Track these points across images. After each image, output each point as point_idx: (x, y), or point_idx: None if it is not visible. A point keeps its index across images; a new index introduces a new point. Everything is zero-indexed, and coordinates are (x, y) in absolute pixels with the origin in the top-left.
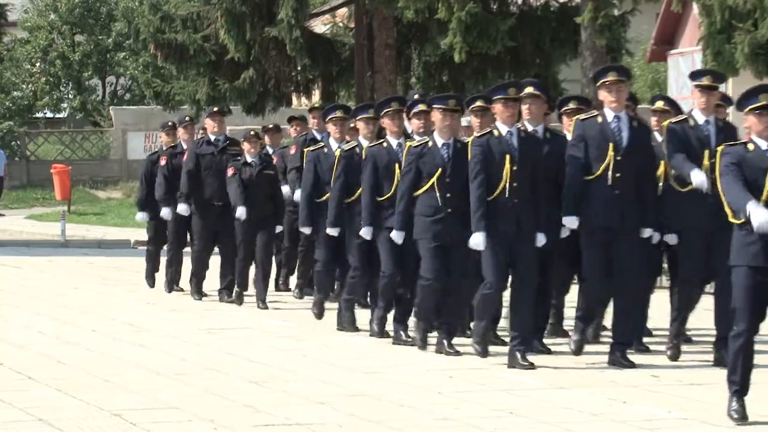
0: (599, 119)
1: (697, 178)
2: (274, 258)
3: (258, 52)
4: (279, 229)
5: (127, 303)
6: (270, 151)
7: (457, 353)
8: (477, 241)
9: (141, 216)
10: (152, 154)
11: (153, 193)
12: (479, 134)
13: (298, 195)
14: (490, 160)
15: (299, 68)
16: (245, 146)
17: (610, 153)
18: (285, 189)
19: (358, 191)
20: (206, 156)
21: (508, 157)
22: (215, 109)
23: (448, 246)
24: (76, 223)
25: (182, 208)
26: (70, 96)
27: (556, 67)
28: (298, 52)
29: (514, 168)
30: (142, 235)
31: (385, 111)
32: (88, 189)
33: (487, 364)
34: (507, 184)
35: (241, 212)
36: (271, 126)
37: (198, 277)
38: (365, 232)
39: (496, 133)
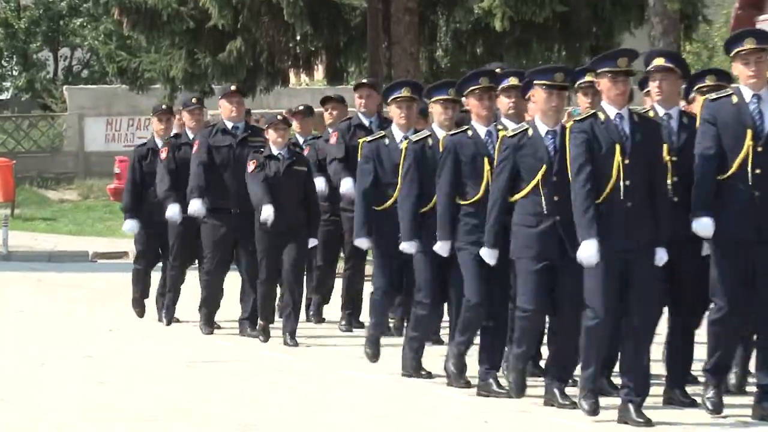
0: (734, 99)
1: None
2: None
3: (247, 17)
4: (313, 242)
5: (85, 330)
6: (300, 140)
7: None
8: (588, 252)
9: (130, 226)
10: (141, 145)
11: (143, 196)
12: (580, 117)
13: (340, 192)
14: (595, 152)
15: (298, 38)
16: (271, 135)
17: (749, 142)
18: (318, 185)
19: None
20: (222, 149)
21: (617, 147)
22: (233, 87)
23: (555, 267)
24: (21, 231)
25: (197, 206)
26: (13, 73)
27: (618, 37)
28: (297, 18)
29: (626, 162)
30: (105, 245)
31: (471, 89)
32: (36, 188)
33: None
34: (618, 183)
35: (267, 213)
36: (301, 108)
37: (210, 304)
38: (442, 248)
39: (601, 116)
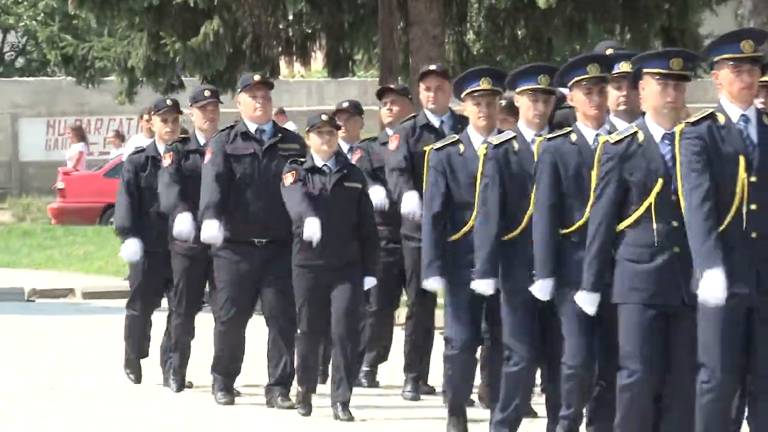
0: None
1: None
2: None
3: None
4: (370, 282)
5: (20, 391)
6: (344, 147)
7: None
8: (714, 286)
9: (133, 248)
10: (137, 152)
11: (142, 213)
12: (695, 119)
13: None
14: (713, 166)
15: (291, 18)
16: (313, 141)
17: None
18: (375, 196)
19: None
20: (243, 159)
21: (742, 160)
22: (256, 77)
23: (671, 314)
24: None
25: (213, 229)
26: None
27: (696, 16)
28: None
29: (752, 179)
30: (45, 280)
31: (576, 80)
32: None
33: None
34: (741, 208)
35: (312, 228)
36: (345, 105)
37: (227, 365)
38: (542, 289)
39: (721, 118)
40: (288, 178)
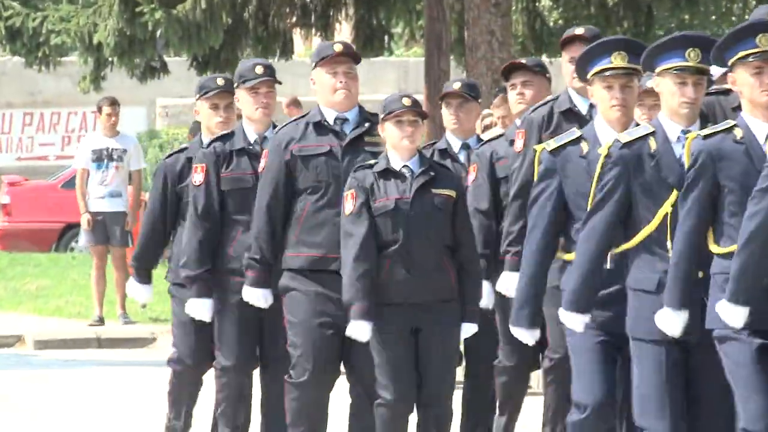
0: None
1: None
2: None
3: None
4: (470, 330)
5: None
6: (455, 144)
7: None
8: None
9: (142, 293)
10: (176, 153)
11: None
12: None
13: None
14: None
15: None
16: (391, 134)
17: None
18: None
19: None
20: (315, 160)
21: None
22: (337, 47)
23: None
24: None
25: (257, 293)
26: None
27: None
28: None
29: None
30: None
31: (740, 55)
32: None
33: None
34: None
35: (360, 333)
36: (456, 86)
37: None
38: (675, 322)
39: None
40: (348, 204)
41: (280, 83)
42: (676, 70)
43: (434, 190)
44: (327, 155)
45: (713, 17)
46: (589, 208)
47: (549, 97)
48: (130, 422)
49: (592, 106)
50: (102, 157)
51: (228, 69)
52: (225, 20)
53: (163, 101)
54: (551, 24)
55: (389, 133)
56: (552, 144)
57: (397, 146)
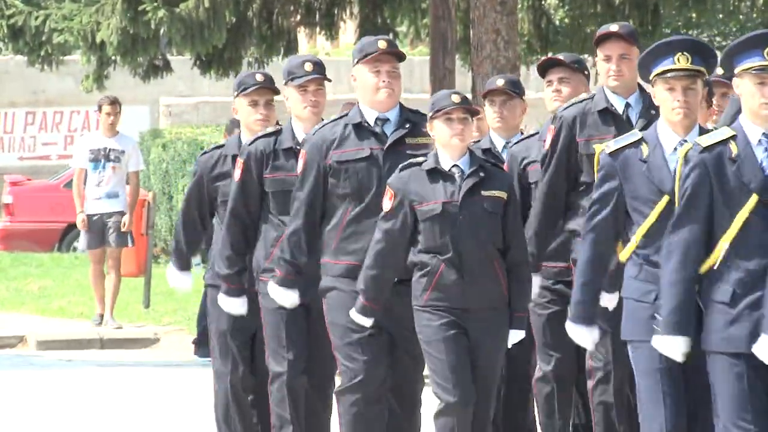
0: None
1: None
2: None
3: None
4: (516, 337)
5: None
6: (498, 143)
7: None
8: None
9: (182, 280)
10: (214, 149)
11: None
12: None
13: None
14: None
15: None
16: (440, 133)
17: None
18: None
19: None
20: (355, 164)
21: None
22: (381, 43)
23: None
24: None
25: (281, 291)
26: None
27: None
28: None
29: None
30: None
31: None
32: None
33: None
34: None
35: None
36: (500, 82)
37: None
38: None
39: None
40: (385, 202)
41: (329, 80)
42: (755, 70)
43: (484, 192)
44: (367, 160)
45: (720, 15)
46: (672, 221)
47: (583, 95)
48: (133, 423)
49: (628, 106)
50: (99, 158)
51: (231, 68)
52: (228, 19)
53: (166, 100)
54: (557, 22)
55: (438, 131)
56: (612, 146)
57: (446, 145)
